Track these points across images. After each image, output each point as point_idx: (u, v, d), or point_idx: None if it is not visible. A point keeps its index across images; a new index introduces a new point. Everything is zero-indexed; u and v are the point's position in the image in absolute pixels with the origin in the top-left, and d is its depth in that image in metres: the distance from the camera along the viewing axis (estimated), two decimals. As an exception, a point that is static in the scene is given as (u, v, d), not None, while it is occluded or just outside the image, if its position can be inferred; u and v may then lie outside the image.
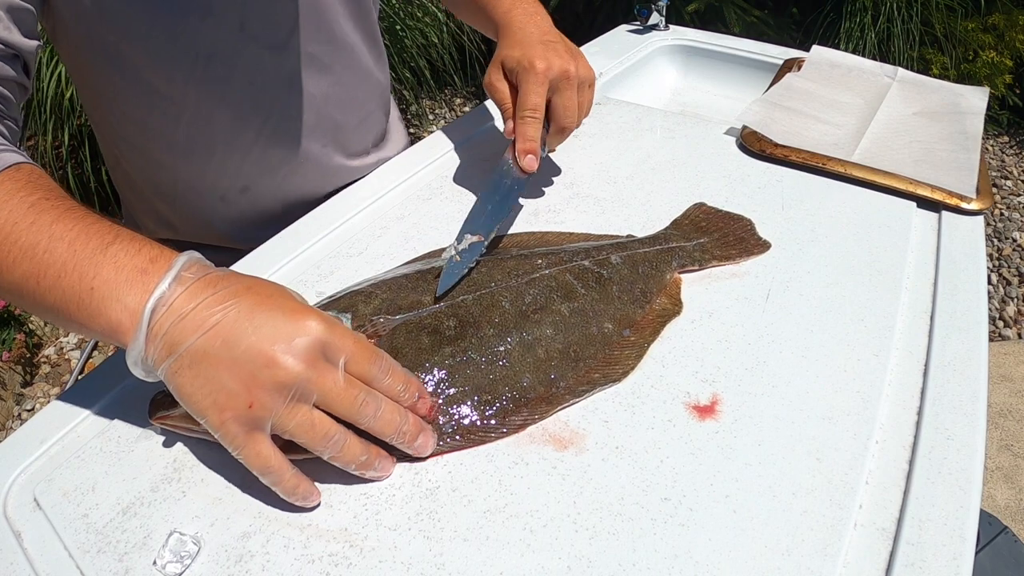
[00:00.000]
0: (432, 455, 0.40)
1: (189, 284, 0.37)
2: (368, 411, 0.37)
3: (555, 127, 0.59)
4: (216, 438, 0.37)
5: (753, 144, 0.68)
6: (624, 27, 0.98)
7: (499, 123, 0.75)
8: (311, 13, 0.61)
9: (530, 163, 0.55)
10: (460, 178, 0.66)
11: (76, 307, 0.37)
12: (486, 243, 0.51)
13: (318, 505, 0.38)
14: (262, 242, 0.58)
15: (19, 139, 0.47)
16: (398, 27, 2.25)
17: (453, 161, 0.69)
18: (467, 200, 0.62)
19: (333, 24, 0.63)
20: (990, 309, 1.81)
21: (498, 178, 0.56)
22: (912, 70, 0.84)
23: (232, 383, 0.35)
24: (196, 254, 0.39)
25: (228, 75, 0.59)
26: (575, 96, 0.57)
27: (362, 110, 0.71)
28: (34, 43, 0.48)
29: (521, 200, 0.62)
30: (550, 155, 0.68)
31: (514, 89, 0.58)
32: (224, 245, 0.71)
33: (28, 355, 1.69)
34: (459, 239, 0.51)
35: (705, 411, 0.43)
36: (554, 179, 0.65)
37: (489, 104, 0.79)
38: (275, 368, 0.35)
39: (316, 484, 0.39)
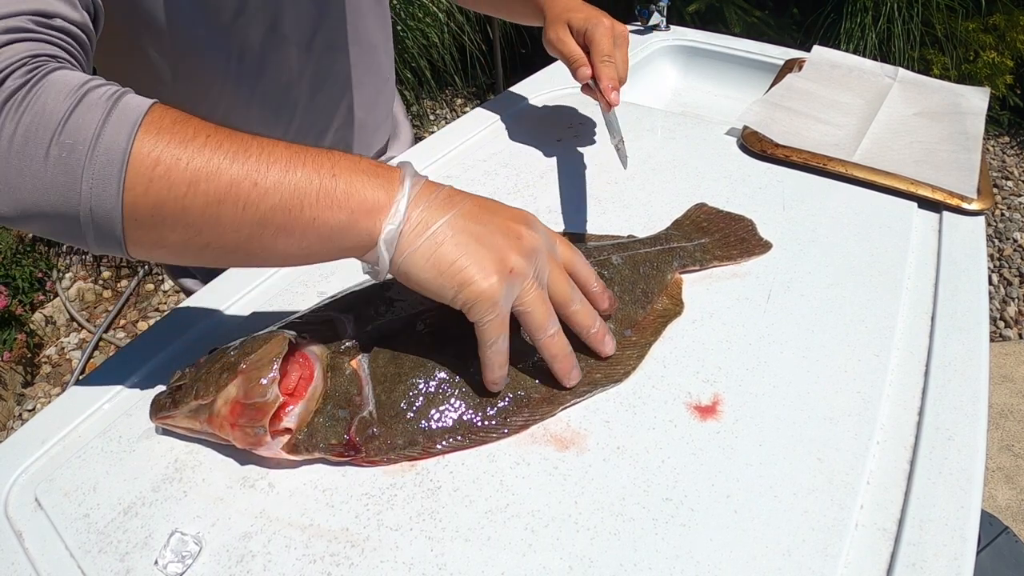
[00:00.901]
0: (433, 455, 0.41)
1: (423, 180, 0.40)
2: (576, 297, 0.43)
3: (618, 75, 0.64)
4: (467, 305, 0.39)
5: (754, 144, 0.68)
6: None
7: (497, 123, 0.75)
8: (340, 14, 0.62)
9: (616, 97, 0.61)
10: (461, 178, 0.66)
11: (316, 197, 0.37)
12: (625, 144, 0.60)
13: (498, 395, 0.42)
14: None
15: None
16: (399, 27, 2.25)
17: (454, 161, 0.69)
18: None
19: (359, 25, 0.65)
20: (991, 309, 1.81)
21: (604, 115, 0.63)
22: (913, 70, 0.84)
23: (497, 249, 0.39)
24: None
25: (259, 72, 0.60)
26: (627, 53, 0.65)
27: (382, 110, 0.74)
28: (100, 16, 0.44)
29: (520, 200, 0.63)
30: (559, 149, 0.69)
31: (580, 45, 0.64)
32: None
33: (29, 355, 1.70)
34: (613, 138, 0.60)
35: (706, 411, 0.43)
36: (555, 179, 0.65)
37: (489, 104, 0.79)
38: (525, 239, 0.40)
39: (315, 485, 0.39)
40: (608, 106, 0.61)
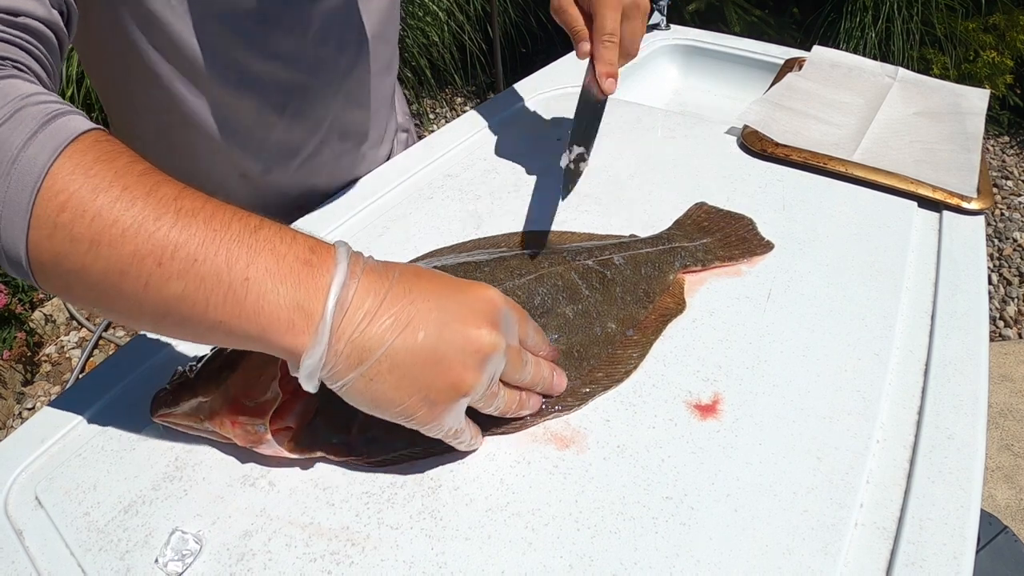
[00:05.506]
0: (432, 453, 0.41)
1: (359, 277, 0.33)
2: (527, 370, 0.40)
3: (622, 52, 0.60)
4: (416, 426, 0.36)
5: (754, 144, 0.68)
6: (625, 26, 0.98)
7: (497, 122, 0.75)
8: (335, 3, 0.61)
9: (611, 85, 0.57)
10: (461, 177, 0.66)
11: (221, 300, 0.31)
12: (589, 154, 0.56)
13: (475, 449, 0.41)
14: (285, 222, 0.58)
15: None
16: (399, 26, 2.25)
17: (454, 160, 0.69)
18: (467, 199, 0.62)
19: (356, 13, 0.64)
20: (990, 309, 1.81)
21: (584, 102, 0.59)
22: (913, 70, 0.83)
23: (447, 375, 0.34)
24: (344, 241, 0.36)
25: (256, 63, 0.59)
26: (642, 24, 0.59)
27: (378, 99, 0.72)
28: (75, 8, 0.42)
29: (519, 200, 0.62)
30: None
31: (585, 15, 0.59)
32: None
33: (29, 354, 1.69)
34: (568, 150, 0.56)
35: (706, 410, 0.43)
36: (555, 178, 0.65)
37: (489, 104, 0.79)
38: (481, 349, 0.35)
39: (316, 483, 0.39)
40: (601, 92, 0.58)
